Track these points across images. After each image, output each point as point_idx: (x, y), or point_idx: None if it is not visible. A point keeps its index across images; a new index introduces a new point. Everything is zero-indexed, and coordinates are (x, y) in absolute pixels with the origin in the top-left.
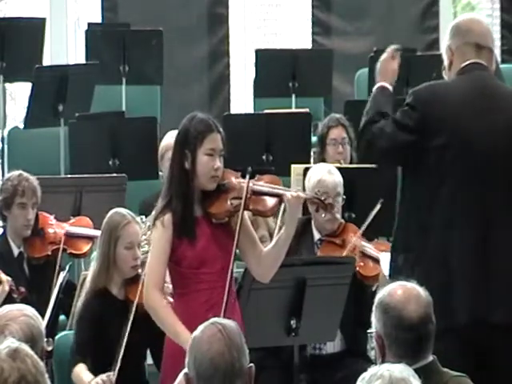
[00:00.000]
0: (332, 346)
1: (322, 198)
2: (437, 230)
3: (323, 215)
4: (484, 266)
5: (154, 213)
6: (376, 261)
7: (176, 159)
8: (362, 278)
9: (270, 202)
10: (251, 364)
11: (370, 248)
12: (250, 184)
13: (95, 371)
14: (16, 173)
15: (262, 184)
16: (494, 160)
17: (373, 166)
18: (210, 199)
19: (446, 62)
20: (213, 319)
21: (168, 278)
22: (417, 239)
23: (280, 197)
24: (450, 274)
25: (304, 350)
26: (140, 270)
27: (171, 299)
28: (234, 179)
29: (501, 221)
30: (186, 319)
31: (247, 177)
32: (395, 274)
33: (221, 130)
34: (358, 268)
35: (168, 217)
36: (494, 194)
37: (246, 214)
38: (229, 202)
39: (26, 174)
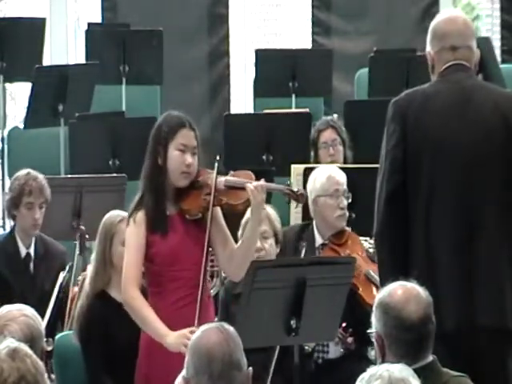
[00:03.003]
0: (334, 352)
1: (294, 190)
2: (422, 231)
3: (295, 206)
4: (469, 267)
5: (129, 210)
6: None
7: (149, 156)
8: (363, 302)
9: (241, 195)
10: (250, 368)
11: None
12: (221, 178)
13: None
14: (24, 171)
15: (231, 178)
16: (475, 162)
17: (372, 166)
18: (183, 196)
19: (429, 65)
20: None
21: None
22: (408, 243)
23: (244, 188)
24: (436, 276)
25: (309, 359)
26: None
27: None
28: (209, 176)
29: (485, 222)
30: (160, 317)
31: (215, 170)
32: None
33: (195, 128)
34: (360, 291)
35: (140, 214)
36: (477, 196)
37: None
38: (202, 198)
39: (34, 173)
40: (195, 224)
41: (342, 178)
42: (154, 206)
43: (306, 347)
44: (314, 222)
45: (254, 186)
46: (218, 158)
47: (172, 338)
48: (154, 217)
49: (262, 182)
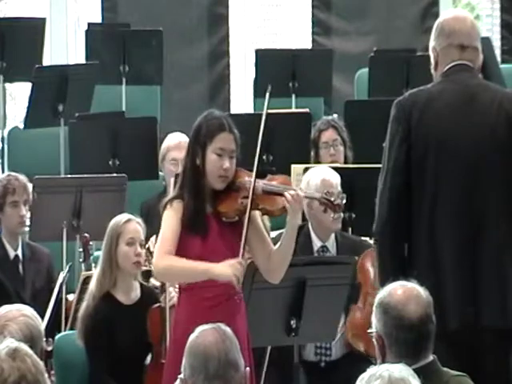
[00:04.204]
0: (335, 353)
1: (332, 199)
2: (425, 231)
3: (332, 215)
4: (472, 267)
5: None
6: None
7: (189, 155)
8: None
9: (279, 201)
10: (247, 368)
11: None
12: (260, 183)
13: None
14: (4, 174)
15: (269, 183)
16: (478, 162)
17: (372, 166)
18: (220, 197)
19: (432, 61)
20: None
21: None
22: (411, 244)
23: (281, 194)
24: (439, 276)
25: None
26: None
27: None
28: (247, 178)
29: (489, 222)
30: (190, 314)
31: (253, 174)
32: None
33: (235, 130)
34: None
35: (177, 202)
36: (482, 196)
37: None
38: (239, 201)
39: (15, 174)
40: (231, 226)
41: (336, 179)
42: (194, 207)
43: None
44: (310, 224)
45: (291, 195)
46: (269, 88)
47: (220, 267)
48: (193, 218)
49: (300, 191)
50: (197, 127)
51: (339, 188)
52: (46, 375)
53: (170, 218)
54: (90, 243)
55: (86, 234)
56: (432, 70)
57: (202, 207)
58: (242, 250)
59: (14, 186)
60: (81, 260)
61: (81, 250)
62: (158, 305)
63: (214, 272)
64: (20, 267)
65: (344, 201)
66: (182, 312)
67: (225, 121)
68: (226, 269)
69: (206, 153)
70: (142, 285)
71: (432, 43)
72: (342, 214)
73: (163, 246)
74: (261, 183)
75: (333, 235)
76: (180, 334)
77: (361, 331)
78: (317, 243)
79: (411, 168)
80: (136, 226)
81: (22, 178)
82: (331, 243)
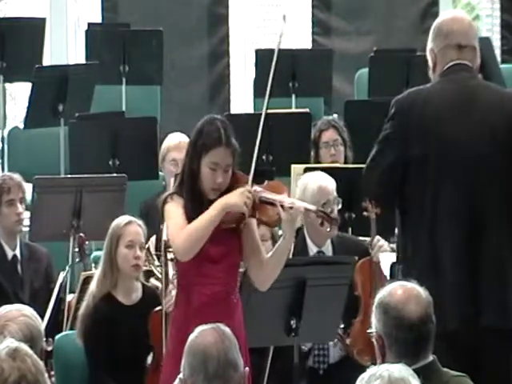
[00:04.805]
0: (333, 356)
1: (328, 211)
2: (425, 232)
3: (328, 229)
4: (472, 267)
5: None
6: None
7: (187, 158)
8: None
9: (274, 212)
10: (246, 368)
11: None
12: (258, 191)
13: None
14: None
15: (266, 191)
16: (478, 161)
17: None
18: None
19: (430, 64)
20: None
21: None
22: (411, 244)
23: (281, 206)
24: (439, 275)
25: (305, 362)
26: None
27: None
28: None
29: (490, 221)
30: (188, 313)
31: (249, 182)
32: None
33: (232, 143)
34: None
35: (178, 197)
36: (482, 195)
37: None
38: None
39: (8, 173)
40: (229, 231)
41: (332, 185)
42: (191, 211)
43: (303, 347)
44: (306, 229)
45: (285, 207)
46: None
47: (232, 199)
48: (192, 218)
49: (295, 202)
50: (197, 133)
51: (335, 193)
52: (46, 375)
53: (175, 209)
54: (86, 243)
55: (82, 234)
56: (429, 72)
57: (200, 211)
58: (250, 179)
59: (9, 184)
60: (77, 260)
61: (77, 249)
62: (159, 308)
63: (229, 204)
64: (18, 267)
65: (340, 206)
66: (180, 311)
67: (223, 133)
68: (237, 198)
69: (200, 164)
70: (143, 285)
71: (430, 45)
72: (339, 220)
73: (177, 227)
74: (258, 189)
75: (329, 239)
76: (177, 334)
77: (365, 345)
78: (313, 249)
79: (411, 168)
80: (136, 228)
81: (17, 176)
82: (327, 247)
